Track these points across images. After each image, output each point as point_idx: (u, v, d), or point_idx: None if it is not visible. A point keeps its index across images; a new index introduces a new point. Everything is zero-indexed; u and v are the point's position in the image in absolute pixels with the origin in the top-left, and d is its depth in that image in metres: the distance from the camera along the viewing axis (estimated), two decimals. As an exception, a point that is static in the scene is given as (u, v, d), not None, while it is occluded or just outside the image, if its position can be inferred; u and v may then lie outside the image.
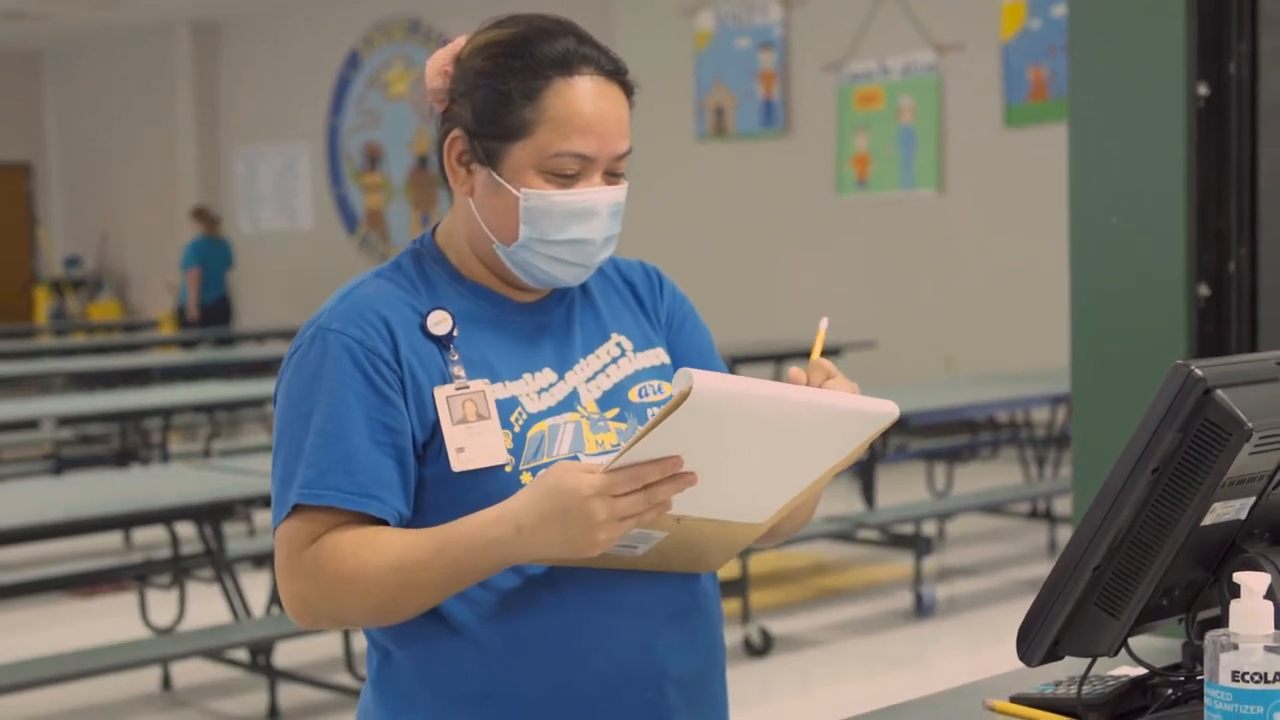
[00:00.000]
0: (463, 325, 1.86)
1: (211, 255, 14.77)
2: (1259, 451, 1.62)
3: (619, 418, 1.90)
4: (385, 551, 1.75)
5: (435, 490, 1.82)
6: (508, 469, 1.81)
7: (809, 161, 12.08)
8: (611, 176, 1.86)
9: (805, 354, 10.54)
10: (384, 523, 1.79)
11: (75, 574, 6.25)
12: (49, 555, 7.57)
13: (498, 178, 1.84)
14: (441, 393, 1.82)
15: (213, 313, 14.73)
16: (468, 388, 1.83)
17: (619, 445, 1.84)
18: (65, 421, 7.95)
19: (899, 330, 11.47)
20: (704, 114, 12.69)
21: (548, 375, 1.89)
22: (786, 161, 12.22)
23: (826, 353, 10.81)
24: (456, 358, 1.84)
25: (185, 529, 5.99)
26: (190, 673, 5.75)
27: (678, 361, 1.99)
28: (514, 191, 1.83)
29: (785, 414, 1.66)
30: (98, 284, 18.57)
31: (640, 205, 14.49)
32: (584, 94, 1.82)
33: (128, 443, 9.27)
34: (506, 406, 1.84)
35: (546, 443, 1.84)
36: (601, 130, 1.83)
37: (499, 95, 1.83)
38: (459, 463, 1.80)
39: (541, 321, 1.92)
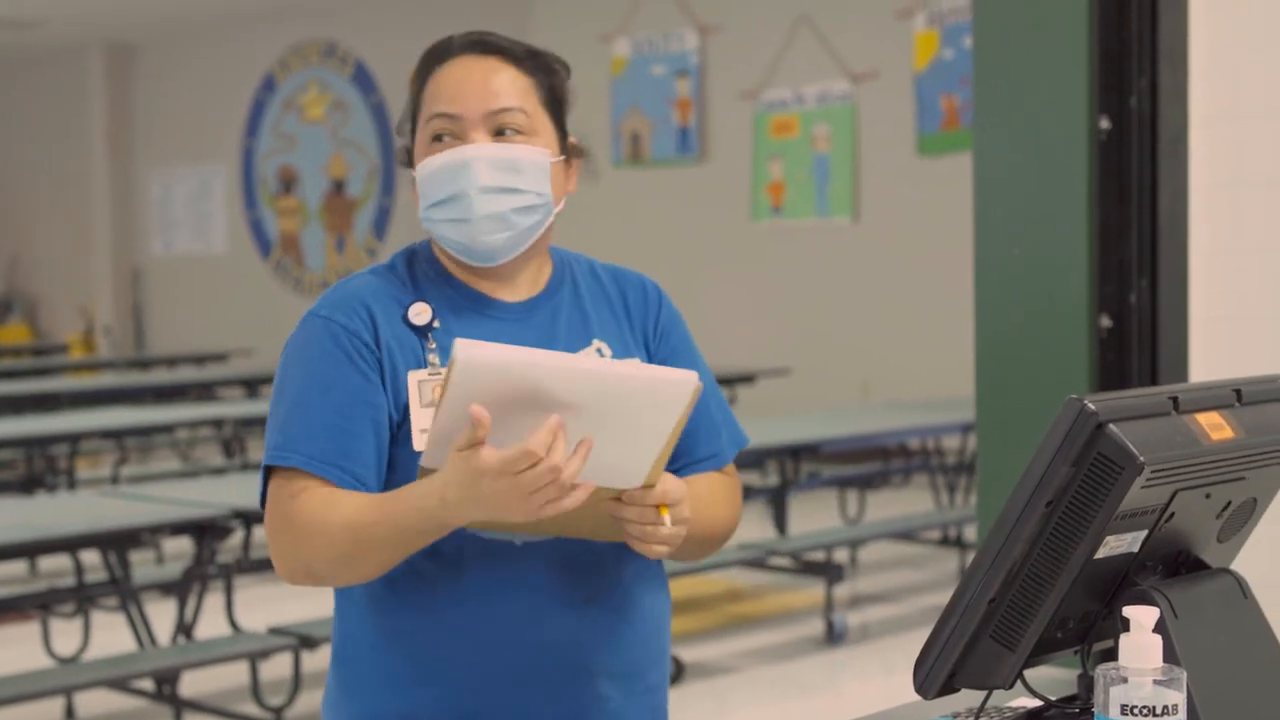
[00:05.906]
0: (444, 318, 1.95)
1: None
2: (1151, 485, 1.63)
3: None
4: (342, 510, 1.84)
5: (405, 473, 1.89)
6: None
7: (724, 188, 12.13)
8: (499, 135, 1.95)
9: (722, 380, 10.60)
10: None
11: (-23, 603, 6.14)
12: (-48, 583, 7.45)
13: (412, 171, 1.97)
14: (414, 377, 1.91)
15: None
16: (439, 373, 1.90)
17: None
18: (-30, 447, 7.84)
19: (814, 357, 11.52)
20: (620, 140, 12.71)
21: None
22: (702, 188, 12.26)
23: (739, 380, 10.81)
24: (434, 346, 1.93)
25: (91, 556, 5.90)
26: (94, 703, 5.67)
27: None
28: (413, 173, 1.97)
29: (579, 381, 1.72)
30: (7, 307, 18.32)
31: (556, 231, 14.55)
32: (454, 68, 1.96)
33: (34, 469, 9.14)
34: None
35: None
36: (465, 90, 1.94)
37: (408, 104, 1.99)
38: (421, 442, 1.88)
39: (525, 320, 2.00)
